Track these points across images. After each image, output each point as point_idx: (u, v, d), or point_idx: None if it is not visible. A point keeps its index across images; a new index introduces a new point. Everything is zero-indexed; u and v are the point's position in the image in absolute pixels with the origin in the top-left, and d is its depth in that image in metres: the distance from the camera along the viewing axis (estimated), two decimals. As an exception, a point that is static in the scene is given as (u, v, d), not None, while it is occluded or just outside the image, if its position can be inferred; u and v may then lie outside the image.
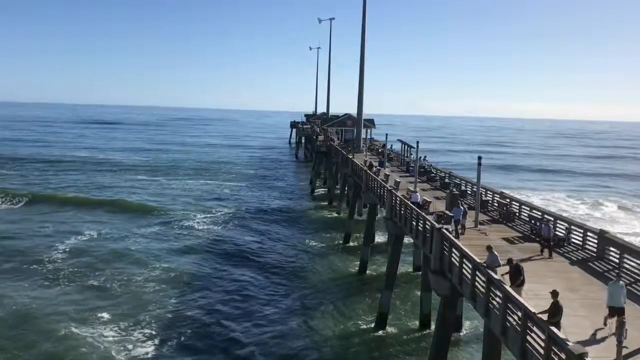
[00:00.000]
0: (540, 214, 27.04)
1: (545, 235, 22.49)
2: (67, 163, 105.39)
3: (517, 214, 29.56)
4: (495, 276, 15.82)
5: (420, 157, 46.77)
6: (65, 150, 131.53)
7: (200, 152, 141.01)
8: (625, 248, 20.35)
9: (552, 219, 25.64)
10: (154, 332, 28.90)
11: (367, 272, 40.10)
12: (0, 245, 44.57)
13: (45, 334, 28.40)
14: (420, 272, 35.23)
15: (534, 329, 13.06)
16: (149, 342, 27.73)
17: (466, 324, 30.16)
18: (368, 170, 42.88)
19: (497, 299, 15.31)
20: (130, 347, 27.26)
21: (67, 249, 44.06)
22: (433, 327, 27.71)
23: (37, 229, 50.68)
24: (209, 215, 59.59)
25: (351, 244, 48.30)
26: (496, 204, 32.36)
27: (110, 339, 28.11)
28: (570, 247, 23.63)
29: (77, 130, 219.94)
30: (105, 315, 31.09)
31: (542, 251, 22.51)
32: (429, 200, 32.14)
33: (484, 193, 33.14)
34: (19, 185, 75.10)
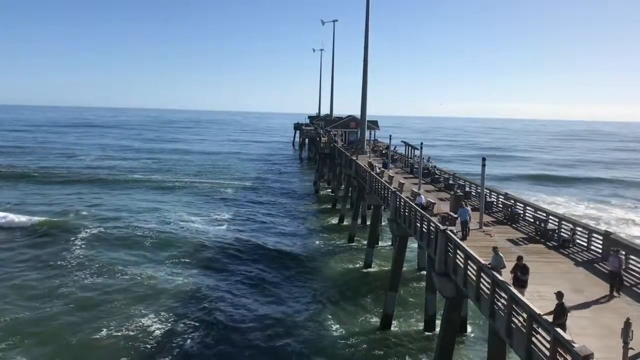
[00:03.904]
0: (544, 214, 27.00)
1: (615, 268, 17.77)
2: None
3: (522, 215, 29.51)
4: (500, 278, 15.82)
5: (424, 159, 46.73)
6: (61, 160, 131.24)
7: (203, 154, 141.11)
8: (630, 249, 20.30)
9: (556, 219, 25.63)
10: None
11: (371, 274, 40.08)
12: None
13: (85, 337, 28.66)
14: (424, 274, 35.24)
15: (540, 330, 13.07)
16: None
17: (471, 325, 30.15)
18: (372, 172, 42.90)
19: (502, 300, 15.32)
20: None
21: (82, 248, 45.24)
22: (438, 328, 27.71)
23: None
24: (211, 216, 59.74)
25: (355, 245, 48.31)
26: (501, 205, 32.32)
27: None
28: (576, 248, 23.58)
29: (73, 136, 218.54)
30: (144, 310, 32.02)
31: (611, 290, 17.68)
32: (433, 201, 32.12)
33: (488, 194, 33.10)
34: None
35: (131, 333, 28.81)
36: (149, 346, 27.40)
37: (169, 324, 30.20)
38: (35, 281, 36.86)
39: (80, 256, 42.74)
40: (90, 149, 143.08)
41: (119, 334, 28.70)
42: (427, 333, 29.72)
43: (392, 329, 30.22)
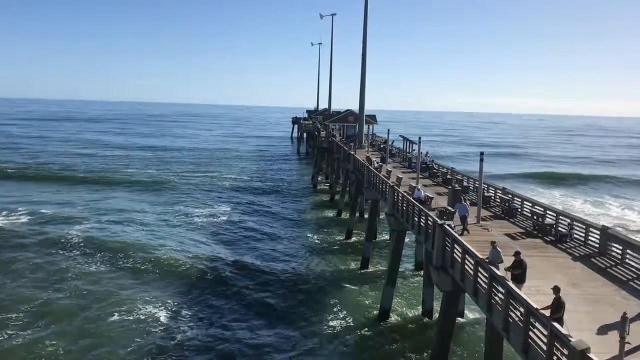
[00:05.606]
0: (542, 209, 27.02)
1: None
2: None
3: (520, 210, 29.53)
4: (498, 272, 15.83)
5: (422, 153, 46.65)
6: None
7: (200, 149, 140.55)
8: (627, 244, 20.35)
9: (553, 213, 25.66)
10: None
11: (369, 268, 40.11)
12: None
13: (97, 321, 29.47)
14: (422, 268, 35.30)
15: (537, 324, 13.09)
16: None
17: (468, 319, 30.21)
18: (370, 166, 42.88)
19: (500, 295, 15.33)
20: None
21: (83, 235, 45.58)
22: (435, 322, 27.76)
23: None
24: (209, 210, 59.76)
25: (353, 240, 48.31)
26: (498, 200, 32.33)
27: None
28: (573, 242, 23.62)
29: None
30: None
31: None
32: (431, 196, 32.12)
33: (486, 189, 33.10)
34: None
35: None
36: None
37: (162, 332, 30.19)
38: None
39: (59, 262, 39.80)
40: (83, 145, 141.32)
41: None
42: (424, 327, 29.78)
43: (389, 323, 30.26)
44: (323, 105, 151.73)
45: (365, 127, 73.67)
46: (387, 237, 47.48)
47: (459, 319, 28.39)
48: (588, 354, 10.78)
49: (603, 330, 14.08)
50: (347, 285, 36.35)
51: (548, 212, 26.36)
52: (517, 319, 14.13)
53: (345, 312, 31.79)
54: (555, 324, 12.07)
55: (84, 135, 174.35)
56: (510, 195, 31.30)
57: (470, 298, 19.04)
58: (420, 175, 40.34)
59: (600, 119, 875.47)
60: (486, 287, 16.17)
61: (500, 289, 15.30)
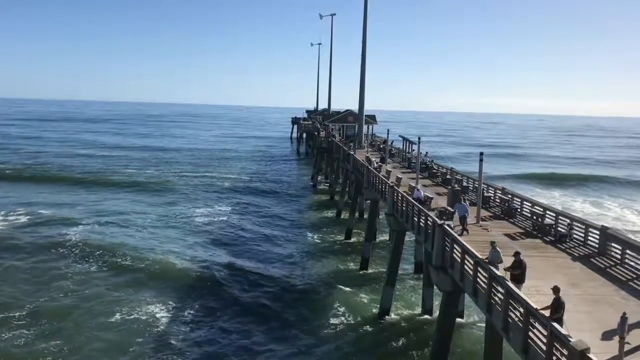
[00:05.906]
0: (542, 209, 27.00)
1: None
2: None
3: (519, 210, 29.51)
4: (497, 272, 15.81)
5: (422, 153, 46.61)
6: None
7: (199, 149, 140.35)
8: (627, 244, 20.34)
9: (553, 213, 25.65)
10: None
11: (369, 269, 40.06)
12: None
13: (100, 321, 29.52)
14: (422, 269, 35.24)
15: (536, 325, 13.07)
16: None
17: (468, 319, 30.18)
18: (369, 167, 42.85)
19: (499, 295, 15.31)
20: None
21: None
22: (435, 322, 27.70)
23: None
24: (208, 210, 59.71)
25: (353, 240, 48.26)
26: (498, 200, 32.31)
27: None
28: (572, 242, 23.60)
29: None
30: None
31: None
32: (431, 196, 32.09)
33: (485, 189, 33.07)
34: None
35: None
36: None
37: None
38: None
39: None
40: (82, 145, 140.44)
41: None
42: (424, 327, 29.74)
43: (389, 323, 30.21)
44: (323, 105, 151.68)
45: (364, 127, 73.66)
46: (387, 237, 47.43)
47: (459, 319, 28.38)
48: (588, 354, 10.77)
49: (603, 330, 14.06)
50: (347, 286, 36.26)
51: (547, 212, 26.35)
52: (516, 319, 14.11)
53: (344, 312, 31.73)
54: (555, 324, 12.06)
55: (83, 136, 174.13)
56: (509, 196, 31.29)
57: (470, 298, 19.01)
58: (419, 176, 40.32)
59: (601, 119, 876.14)
60: (486, 287, 16.16)
61: (499, 289, 15.29)
